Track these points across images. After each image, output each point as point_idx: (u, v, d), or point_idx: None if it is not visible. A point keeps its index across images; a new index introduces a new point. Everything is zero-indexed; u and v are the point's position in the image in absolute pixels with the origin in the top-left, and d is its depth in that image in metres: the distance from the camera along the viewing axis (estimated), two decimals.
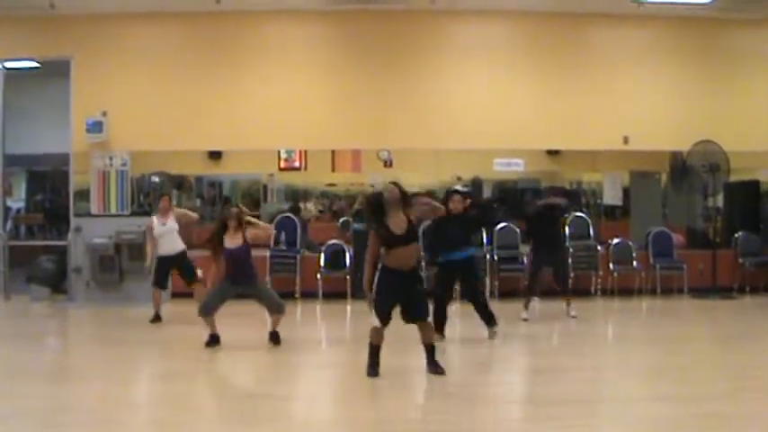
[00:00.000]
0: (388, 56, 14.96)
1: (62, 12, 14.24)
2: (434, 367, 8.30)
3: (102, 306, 13.52)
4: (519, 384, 8.68)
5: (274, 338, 9.95)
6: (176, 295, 12.72)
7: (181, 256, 12.14)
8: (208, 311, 9.78)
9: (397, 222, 8.09)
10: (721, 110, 15.06)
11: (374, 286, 8.16)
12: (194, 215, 12.79)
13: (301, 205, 17.33)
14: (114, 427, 6.71)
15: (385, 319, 8.14)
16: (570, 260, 14.58)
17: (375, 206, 8.19)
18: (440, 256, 10.46)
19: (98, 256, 14.11)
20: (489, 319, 10.45)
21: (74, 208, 14.70)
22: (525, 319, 11.97)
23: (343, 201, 18.09)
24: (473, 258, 10.62)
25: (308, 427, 6.93)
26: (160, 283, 12.15)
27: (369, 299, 8.17)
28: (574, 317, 12.17)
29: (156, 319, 11.94)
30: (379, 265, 8.21)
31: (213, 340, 9.87)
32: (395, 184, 8.28)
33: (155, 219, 12.08)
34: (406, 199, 8.20)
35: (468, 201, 10.61)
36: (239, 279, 9.80)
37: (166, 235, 11.99)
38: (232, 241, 9.82)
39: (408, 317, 8.26)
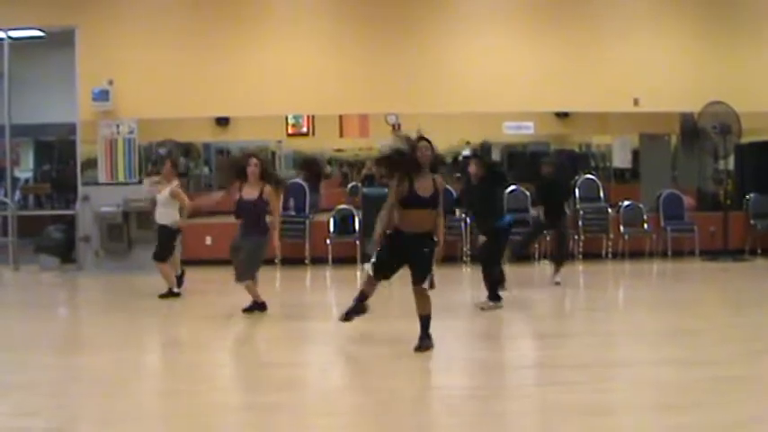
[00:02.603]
0: (395, 19, 14.84)
1: None
2: (421, 341, 7.96)
3: (112, 275, 13.53)
4: (530, 349, 8.66)
5: (255, 307, 9.83)
6: (185, 263, 12.64)
7: (163, 229, 11.33)
8: (248, 275, 9.68)
9: (423, 184, 7.79)
10: (733, 71, 14.92)
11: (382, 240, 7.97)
12: (185, 200, 12.11)
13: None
14: (125, 398, 6.69)
15: (381, 272, 7.97)
16: (581, 223, 14.59)
17: (403, 161, 7.80)
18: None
19: (106, 224, 14.09)
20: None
21: (81, 177, 14.67)
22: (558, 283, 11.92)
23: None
24: (499, 229, 10.44)
25: (323, 394, 6.91)
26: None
27: (371, 245, 8.00)
28: (558, 283, 11.96)
29: (173, 291, 11.37)
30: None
31: (258, 306, 9.83)
32: (428, 142, 7.92)
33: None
34: (436, 161, 7.99)
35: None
36: (248, 230, 9.68)
37: (159, 205, 11.38)
38: (248, 192, 9.70)
39: (412, 279, 7.96)
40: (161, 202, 11.35)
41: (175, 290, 11.28)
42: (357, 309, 8.21)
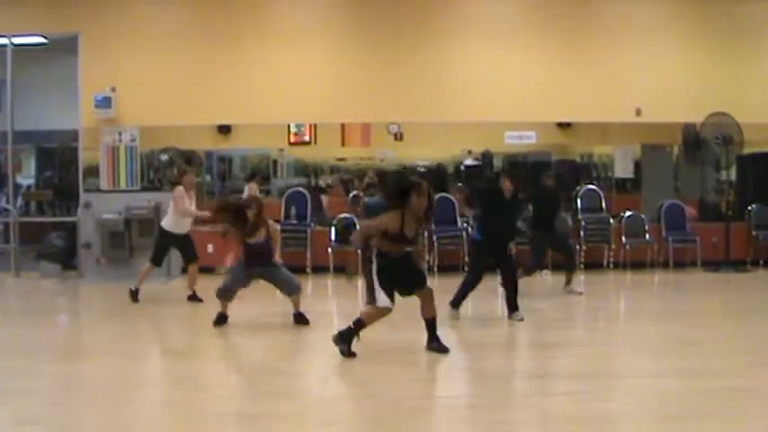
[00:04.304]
0: (397, 29, 14.84)
1: None
2: (437, 344, 8.15)
3: (113, 282, 13.49)
4: (532, 359, 8.64)
5: (301, 319, 9.76)
6: (186, 270, 12.59)
7: (185, 237, 11.69)
8: (227, 295, 9.61)
9: (410, 224, 7.90)
10: (735, 81, 14.93)
11: (375, 269, 7.96)
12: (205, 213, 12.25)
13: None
14: (125, 405, 6.67)
15: (392, 298, 7.94)
16: (582, 233, 14.59)
17: (400, 192, 7.91)
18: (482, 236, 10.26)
19: (108, 231, 14.06)
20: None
21: (83, 184, 14.68)
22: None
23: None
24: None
25: (322, 403, 6.89)
26: (157, 259, 11.69)
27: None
28: (581, 293, 12.07)
29: (134, 295, 11.53)
30: (375, 251, 8.01)
31: (222, 319, 9.73)
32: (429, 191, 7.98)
33: (183, 191, 11.47)
34: (429, 211, 8.02)
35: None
36: (257, 266, 9.59)
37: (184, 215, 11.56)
38: (254, 237, 9.57)
39: (408, 289, 8.09)
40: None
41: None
42: (353, 338, 8.08)
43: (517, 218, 10.59)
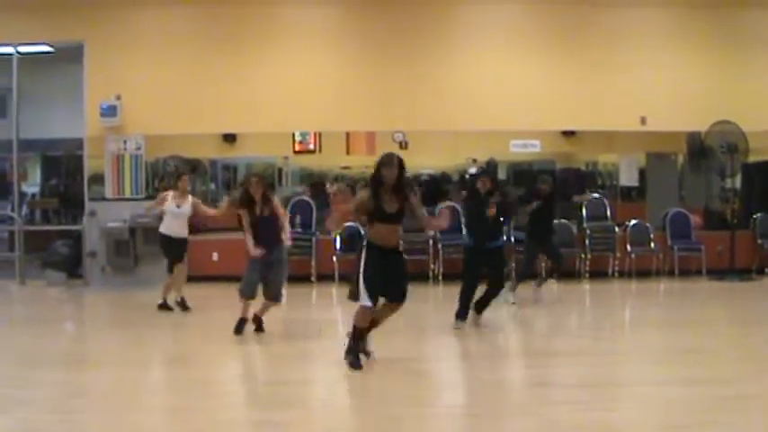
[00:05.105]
0: (403, 37, 14.86)
1: None
2: (353, 353, 8.04)
3: (118, 290, 13.51)
4: (535, 368, 8.61)
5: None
6: (192, 279, 12.61)
7: (183, 242, 11.60)
8: (250, 292, 9.61)
9: (390, 201, 7.90)
10: (740, 90, 14.92)
11: (362, 264, 7.93)
12: (210, 211, 11.95)
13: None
14: (129, 413, 6.68)
15: (375, 292, 7.85)
16: (587, 242, 14.57)
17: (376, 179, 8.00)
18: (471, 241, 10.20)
19: (113, 240, 14.09)
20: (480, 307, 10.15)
21: (88, 192, 14.70)
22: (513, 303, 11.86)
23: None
24: (502, 248, 10.44)
25: (326, 411, 6.90)
26: (172, 267, 11.60)
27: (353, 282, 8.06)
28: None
29: (164, 306, 11.52)
30: (364, 242, 8.04)
31: (242, 324, 9.67)
32: (399, 161, 8.04)
33: (170, 195, 11.52)
34: (401, 183, 8.00)
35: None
36: (269, 243, 9.60)
37: (179, 218, 11.48)
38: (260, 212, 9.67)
39: (389, 298, 8.01)
40: (181, 215, 11.48)
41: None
42: (357, 348, 8.04)
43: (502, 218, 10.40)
